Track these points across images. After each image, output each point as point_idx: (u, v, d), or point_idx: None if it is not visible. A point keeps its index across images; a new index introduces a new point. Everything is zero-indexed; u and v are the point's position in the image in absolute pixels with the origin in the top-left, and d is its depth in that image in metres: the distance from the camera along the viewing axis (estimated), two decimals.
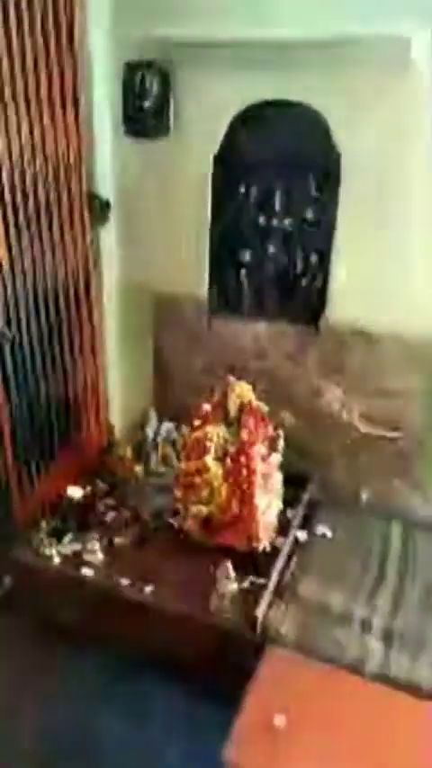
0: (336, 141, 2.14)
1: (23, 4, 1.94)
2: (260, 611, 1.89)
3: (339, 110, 2.11)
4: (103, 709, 1.97)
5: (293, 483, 2.41)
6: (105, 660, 2.12)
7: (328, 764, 1.51)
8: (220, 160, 2.35)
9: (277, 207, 2.34)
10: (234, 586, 2.05)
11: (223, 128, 2.29)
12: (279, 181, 2.30)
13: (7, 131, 1.98)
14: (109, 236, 2.59)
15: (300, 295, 2.39)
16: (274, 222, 2.36)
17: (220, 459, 2.19)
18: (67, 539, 2.29)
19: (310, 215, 2.29)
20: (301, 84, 2.12)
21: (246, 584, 2.08)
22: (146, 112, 2.41)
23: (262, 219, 2.38)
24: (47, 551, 2.23)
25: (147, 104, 2.39)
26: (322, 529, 2.33)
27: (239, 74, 2.17)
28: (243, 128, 2.27)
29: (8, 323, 2.16)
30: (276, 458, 2.22)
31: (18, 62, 1.97)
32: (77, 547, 2.26)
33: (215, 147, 2.33)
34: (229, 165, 2.35)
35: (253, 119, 2.24)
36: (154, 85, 2.36)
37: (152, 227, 2.56)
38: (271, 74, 2.13)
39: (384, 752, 1.54)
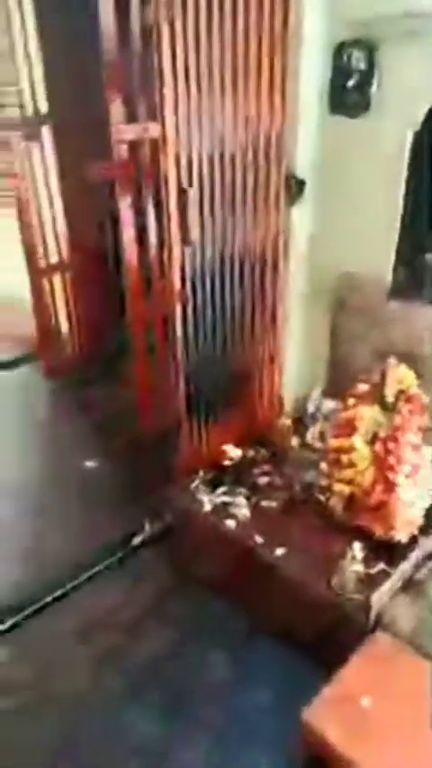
0: None
1: None
2: (375, 598, 1.86)
3: None
4: (210, 655, 2.13)
5: None
6: (227, 610, 2.27)
7: (403, 757, 1.46)
8: (418, 139, 2.26)
9: None
10: (360, 568, 2.04)
11: (424, 106, 2.19)
12: None
13: (212, 109, 2.18)
14: (300, 214, 2.68)
15: None
16: None
17: (371, 441, 2.17)
18: (220, 490, 2.50)
19: None
20: None
21: (374, 571, 2.05)
22: (349, 90, 2.42)
23: None
24: (201, 497, 2.47)
25: (351, 82, 2.40)
26: None
27: None
28: None
29: (195, 291, 2.41)
30: (430, 452, 2.11)
31: (229, 43, 2.13)
32: (227, 500, 2.45)
33: (414, 126, 2.24)
34: (427, 145, 2.24)
35: None
36: (360, 63, 2.35)
37: (344, 206, 2.57)
38: None
39: None
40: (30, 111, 3.43)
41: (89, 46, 2.87)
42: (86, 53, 3.09)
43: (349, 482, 2.19)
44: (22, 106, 3.40)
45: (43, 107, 3.48)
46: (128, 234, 2.98)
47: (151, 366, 3.21)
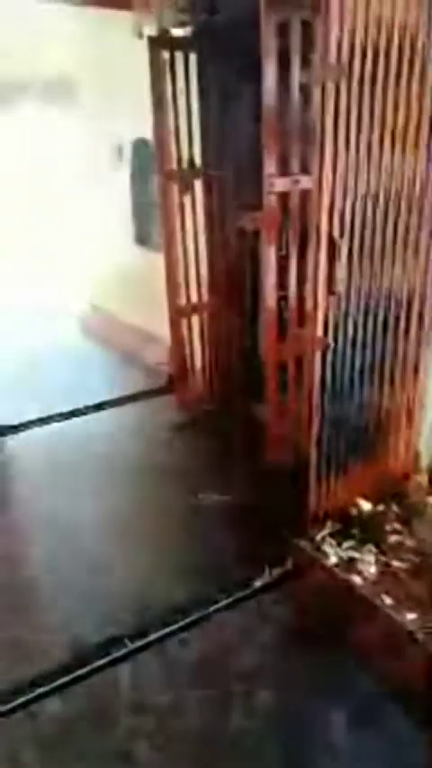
0: None
1: (393, 56, 2.14)
2: None
3: None
4: (332, 714, 2.01)
5: None
6: (350, 667, 2.16)
7: None
8: None
9: None
10: None
11: None
12: None
13: (368, 162, 2.22)
14: None
15: None
16: None
17: None
18: (346, 544, 2.43)
19: None
20: None
21: None
22: None
23: None
24: (326, 549, 2.41)
25: None
26: None
27: None
28: None
29: (335, 339, 2.41)
30: None
31: (391, 99, 2.18)
32: (354, 555, 2.38)
33: None
34: None
35: None
36: None
37: None
38: None
39: None
40: (185, 164, 3.69)
41: (245, 104, 3.05)
42: (242, 111, 3.29)
43: None
44: (179, 160, 3.65)
45: (197, 160, 3.72)
46: (269, 280, 3.05)
47: (282, 409, 3.22)
